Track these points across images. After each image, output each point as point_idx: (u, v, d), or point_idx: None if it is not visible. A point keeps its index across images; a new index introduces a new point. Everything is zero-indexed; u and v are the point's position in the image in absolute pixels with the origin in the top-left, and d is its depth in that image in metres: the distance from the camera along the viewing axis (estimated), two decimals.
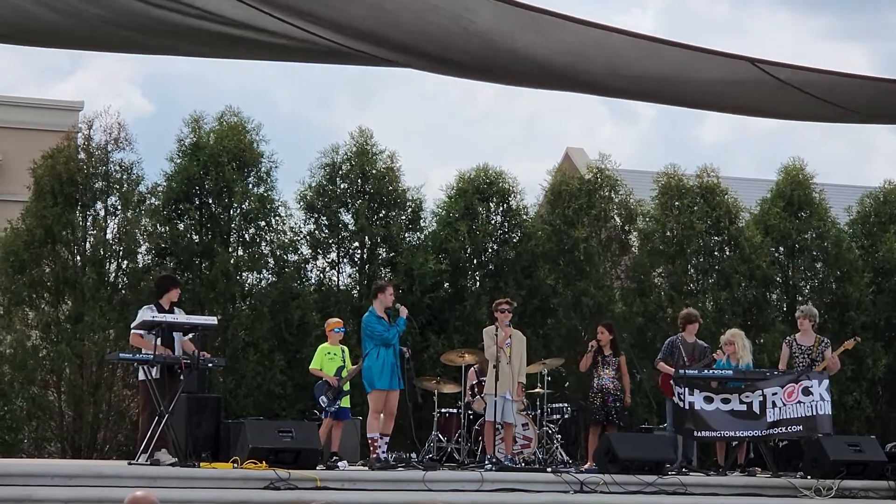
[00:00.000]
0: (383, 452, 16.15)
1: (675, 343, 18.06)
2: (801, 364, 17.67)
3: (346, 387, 16.68)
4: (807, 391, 17.00)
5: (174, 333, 15.59)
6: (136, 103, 59.34)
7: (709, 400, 17.10)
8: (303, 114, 71.36)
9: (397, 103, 68.49)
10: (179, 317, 15.73)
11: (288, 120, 68.58)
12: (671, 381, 17.66)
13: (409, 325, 17.06)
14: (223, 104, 22.58)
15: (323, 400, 16.58)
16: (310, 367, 17.13)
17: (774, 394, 17.06)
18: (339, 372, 16.60)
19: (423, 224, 23.15)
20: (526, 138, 65.12)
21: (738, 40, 68.18)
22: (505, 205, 23.30)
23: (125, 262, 21.81)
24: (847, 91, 6.47)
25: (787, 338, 18.40)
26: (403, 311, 16.37)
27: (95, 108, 48.55)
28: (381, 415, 16.18)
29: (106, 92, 61.13)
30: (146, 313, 15.54)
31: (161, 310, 15.63)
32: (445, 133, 67.02)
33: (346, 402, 16.70)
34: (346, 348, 17.02)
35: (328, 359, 16.75)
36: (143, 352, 15.37)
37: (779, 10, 68.21)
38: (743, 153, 64.74)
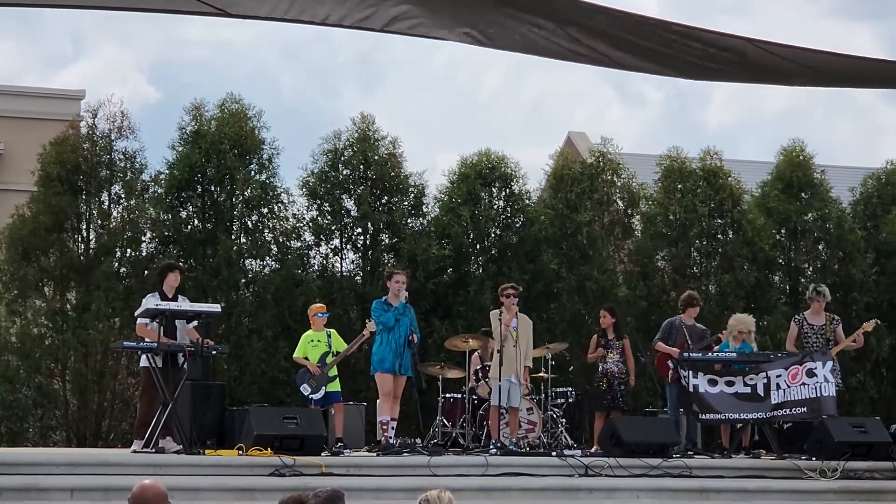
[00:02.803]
0: (390, 437, 16.18)
1: (674, 324, 18.02)
2: (815, 343, 17.66)
3: (333, 372, 16.64)
4: (811, 373, 16.99)
5: (177, 321, 15.60)
6: (142, 90, 59.33)
7: (713, 383, 17.10)
8: (310, 100, 71.37)
9: (405, 88, 68.51)
10: (183, 304, 15.74)
11: (294, 106, 68.56)
12: (670, 363, 17.66)
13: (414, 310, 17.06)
14: (229, 91, 22.55)
15: (304, 388, 16.55)
16: (294, 356, 17.13)
17: (778, 376, 17.05)
18: (324, 359, 16.57)
19: (425, 210, 23.14)
20: (533, 122, 65.12)
21: (743, 21, 68.00)
22: (507, 189, 23.30)
23: (129, 250, 21.82)
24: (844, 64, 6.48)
25: (796, 317, 18.35)
26: (402, 295, 16.39)
27: (100, 95, 48.61)
28: (390, 397, 16.18)
29: (110, 79, 61.14)
30: (150, 301, 15.56)
31: (164, 297, 15.64)
32: (453, 118, 67.04)
33: (334, 387, 16.66)
34: (332, 332, 16.95)
35: (311, 346, 16.71)
36: (147, 340, 15.38)
37: None
38: (750, 136, 64.70)
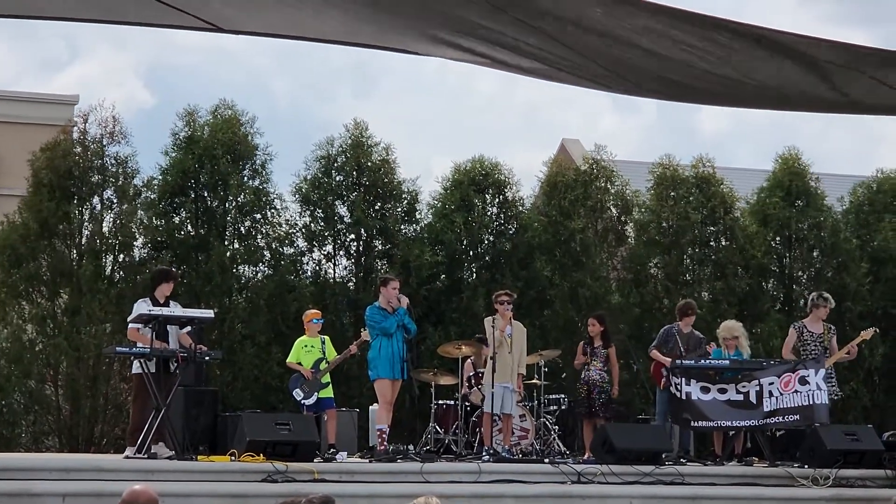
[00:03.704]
0: (387, 447, 16.19)
1: (670, 332, 18.03)
2: (814, 351, 17.65)
3: (326, 378, 16.64)
4: (803, 381, 16.99)
5: (169, 327, 15.56)
6: (138, 95, 59.29)
7: (705, 390, 17.09)
8: (304, 105, 71.36)
9: (399, 93, 68.50)
10: (176, 310, 15.71)
11: (289, 112, 68.56)
12: (663, 370, 17.67)
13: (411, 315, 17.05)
14: (225, 95, 22.67)
15: (297, 393, 16.56)
16: (287, 361, 17.14)
17: (771, 383, 17.05)
18: (317, 364, 16.57)
19: (418, 216, 23.16)
20: (528, 127, 65.12)
21: None
22: (501, 196, 23.32)
23: (121, 255, 21.82)
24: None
25: (795, 324, 18.31)
26: (403, 301, 16.37)
27: (96, 99, 48.38)
28: (390, 405, 16.17)
29: (106, 83, 61.05)
30: (141, 306, 15.52)
31: (155, 303, 15.61)
32: (448, 123, 67.04)
33: (327, 393, 16.66)
34: (326, 338, 16.97)
35: (305, 352, 16.72)
36: (139, 345, 15.35)
37: None
38: (746, 142, 64.75)
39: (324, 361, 16.61)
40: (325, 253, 22.83)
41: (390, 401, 16.14)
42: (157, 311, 15.35)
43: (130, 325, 15.74)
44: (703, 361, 17.58)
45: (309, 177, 22.66)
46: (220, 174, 21.89)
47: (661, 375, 17.76)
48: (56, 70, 62.77)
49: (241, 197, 22.05)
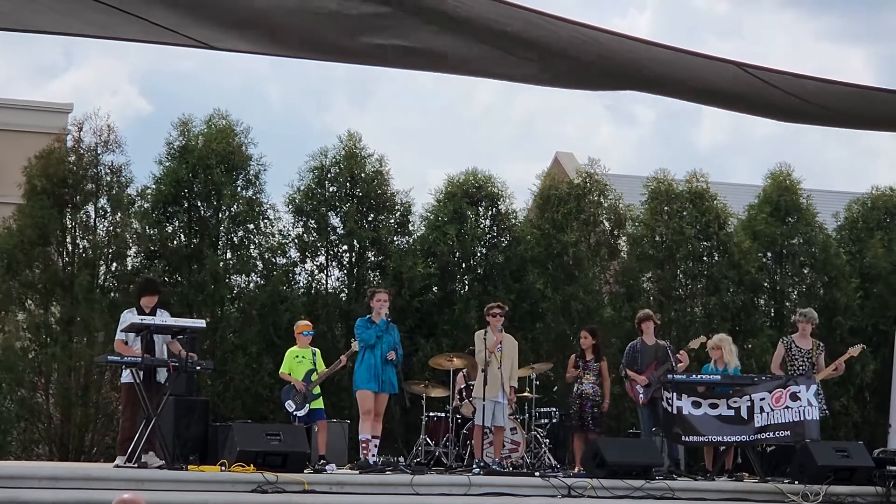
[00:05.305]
0: (373, 455, 16.17)
1: (635, 347, 18.08)
2: (801, 367, 17.68)
3: (317, 390, 16.66)
4: (794, 396, 17.02)
5: (154, 336, 15.52)
6: (134, 102, 59.25)
7: (697, 405, 17.12)
8: (300, 114, 71.35)
9: (395, 103, 68.43)
10: (167, 319, 15.70)
11: (285, 120, 68.54)
12: (638, 388, 17.72)
13: (398, 327, 17.05)
14: (220, 104, 22.66)
15: (290, 404, 16.57)
16: (279, 371, 17.15)
17: (762, 399, 17.08)
18: (309, 376, 16.59)
19: (411, 228, 23.16)
20: (524, 138, 65.06)
21: (737, 42, 68.01)
22: (494, 209, 23.32)
23: (115, 264, 21.80)
24: (832, 95, 6.45)
25: (784, 338, 18.36)
26: (384, 313, 16.39)
27: (91, 106, 48.33)
28: (370, 416, 16.18)
29: (101, 90, 61.02)
30: (129, 316, 15.50)
31: (141, 313, 15.57)
32: (443, 133, 66.94)
33: (318, 404, 16.68)
34: (317, 350, 16.99)
35: (297, 362, 16.74)
36: (128, 356, 15.33)
37: (780, 10, 68.24)
38: (742, 157, 64.73)
39: (314, 373, 16.62)
40: (318, 264, 22.83)
41: (370, 410, 16.16)
42: (150, 320, 15.33)
43: (118, 337, 15.71)
44: (694, 376, 17.63)
45: (302, 187, 22.66)
46: (213, 184, 21.88)
47: (638, 393, 17.81)
48: (52, 76, 62.77)
49: (235, 207, 22.04)
